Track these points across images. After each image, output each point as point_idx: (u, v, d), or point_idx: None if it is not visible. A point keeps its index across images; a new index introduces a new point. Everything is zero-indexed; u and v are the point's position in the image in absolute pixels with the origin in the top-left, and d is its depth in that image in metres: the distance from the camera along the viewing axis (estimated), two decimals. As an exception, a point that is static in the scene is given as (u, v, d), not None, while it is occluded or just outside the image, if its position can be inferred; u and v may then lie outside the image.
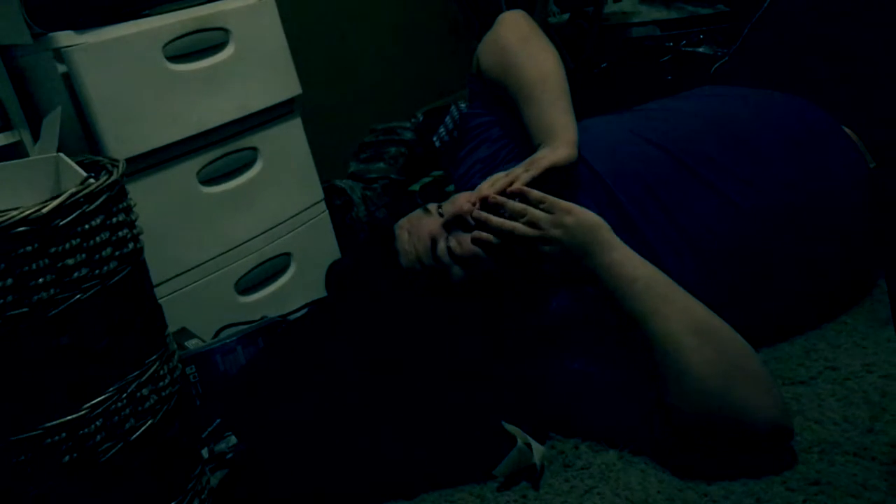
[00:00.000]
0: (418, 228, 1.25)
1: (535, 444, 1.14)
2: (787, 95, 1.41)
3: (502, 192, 1.20)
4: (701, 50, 2.11)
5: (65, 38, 1.44)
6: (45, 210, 0.83)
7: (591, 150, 1.34)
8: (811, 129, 1.37)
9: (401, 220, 1.31)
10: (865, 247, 1.38)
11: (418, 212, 1.29)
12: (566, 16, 2.33)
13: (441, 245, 1.23)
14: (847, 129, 1.40)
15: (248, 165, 1.76)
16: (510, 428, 1.15)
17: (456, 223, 1.25)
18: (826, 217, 1.30)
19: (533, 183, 1.20)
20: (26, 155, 1.48)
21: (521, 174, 1.20)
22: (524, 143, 1.38)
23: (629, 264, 1.10)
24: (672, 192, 1.26)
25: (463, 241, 1.23)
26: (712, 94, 1.49)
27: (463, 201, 1.25)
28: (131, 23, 1.52)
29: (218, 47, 1.66)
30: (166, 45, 1.56)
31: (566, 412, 1.19)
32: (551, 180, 1.22)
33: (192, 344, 1.52)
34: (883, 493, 0.95)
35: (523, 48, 1.39)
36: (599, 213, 1.23)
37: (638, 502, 1.04)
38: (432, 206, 1.28)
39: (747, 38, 1.67)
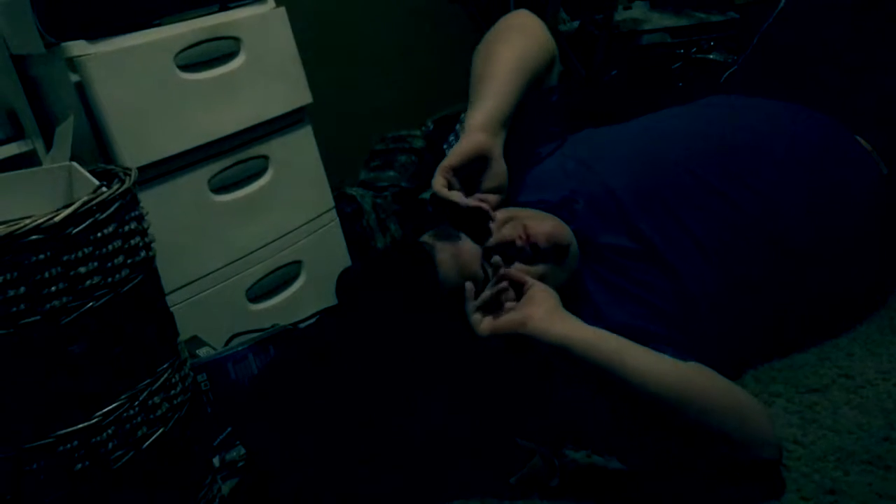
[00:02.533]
0: (460, 253, 1.22)
1: (549, 455, 1.14)
2: (798, 106, 1.41)
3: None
4: (712, 57, 2.11)
5: (77, 47, 1.44)
6: (57, 218, 0.83)
7: (603, 164, 1.34)
8: (823, 138, 1.36)
9: (431, 239, 1.27)
10: (880, 254, 1.37)
11: (450, 233, 1.25)
12: (576, 23, 2.33)
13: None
14: (859, 138, 1.39)
15: (259, 174, 1.76)
16: (525, 443, 1.15)
17: (500, 251, 1.19)
18: (840, 226, 1.29)
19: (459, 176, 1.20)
20: (39, 163, 1.49)
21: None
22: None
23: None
24: (686, 204, 1.25)
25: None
26: (723, 104, 1.49)
27: (501, 227, 1.21)
28: (143, 32, 1.53)
29: (229, 56, 1.67)
30: (178, 54, 1.56)
31: (575, 430, 1.18)
32: (474, 170, 1.20)
33: (203, 352, 1.52)
34: (899, 503, 0.95)
35: (488, 45, 1.35)
36: (610, 230, 1.24)
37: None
38: None
39: (757, 46, 1.67)
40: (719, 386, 1.03)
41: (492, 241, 1.20)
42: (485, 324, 1.10)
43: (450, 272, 1.21)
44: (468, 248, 1.22)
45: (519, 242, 1.19)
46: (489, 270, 1.17)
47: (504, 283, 1.12)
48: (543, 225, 1.21)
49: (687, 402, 1.00)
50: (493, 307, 1.12)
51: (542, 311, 1.06)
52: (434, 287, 1.22)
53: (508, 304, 1.11)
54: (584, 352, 1.03)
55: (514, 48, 1.33)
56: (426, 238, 1.29)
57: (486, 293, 1.12)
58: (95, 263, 0.88)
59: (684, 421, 0.99)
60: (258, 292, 1.77)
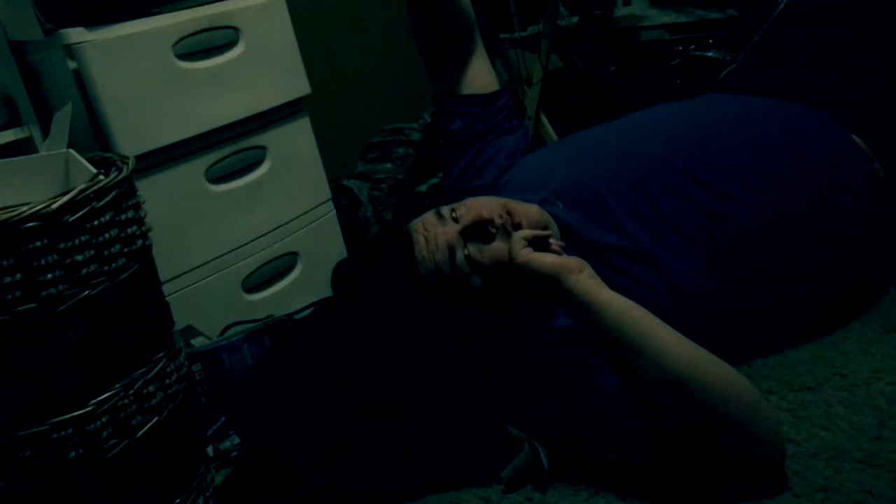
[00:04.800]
0: (435, 235, 1.23)
1: (540, 448, 1.14)
2: (795, 104, 1.41)
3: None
4: (710, 54, 2.11)
5: (76, 34, 1.44)
6: (54, 206, 0.83)
7: (590, 163, 1.34)
8: (819, 137, 1.36)
9: (414, 222, 1.29)
10: (874, 254, 1.37)
11: (431, 216, 1.27)
12: (576, 18, 2.33)
13: (460, 254, 1.20)
14: (856, 138, 1.39)
15: (256, 164, 1.76)
16: (516, 432, 1.15)
17: (474, 231, 1.21)
18: (834, 225, 1.30)
19: None
20: (36, 151, 1.48)
21: None
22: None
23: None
24: (674, 202, 1.25)
25: (483, 250, 1.20)
26: (719, 102, 1.49)
27: (480, 207, 1.23)
28: (142, 20, 1.52)
29: (228, 46, 1.66)
30: (177, 42, 1.56)
31: (587, 424, 1.15)
32: None
33: (197, 342, 1.52)
34: (890, 501, 0.95)
35: None
36: (599, 229, 1.25)
37: (645, 506, 1.04)
38: (445, 210, 1.25)
39: (757, 45, 1.67)
40: (740, 379, 1.03)
41: (471, 218, 1.21)
42: (525, 252, 1.12)
43: (425, 252, 1.22)
44: (442, 230, 1.22)
45: (499, 220, 1.20)
46: (470, 251, 1.20)
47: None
48: (524, 207, 1.24)
49: (710, 384, 1.00)
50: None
51: (589, 270, 1.10)
52: (413, 269, 1.23)
53: None
54: (618, 316, 1.05)
55: None
56: (411, 223, 1.30)
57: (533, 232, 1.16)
58: (92, 251, 0.88)
59: (704, 402, 0.99)
60: (254, 283, 1.77)
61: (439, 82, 1.55)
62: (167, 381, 1.00)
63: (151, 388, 0.96)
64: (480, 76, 1.53)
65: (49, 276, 0.84)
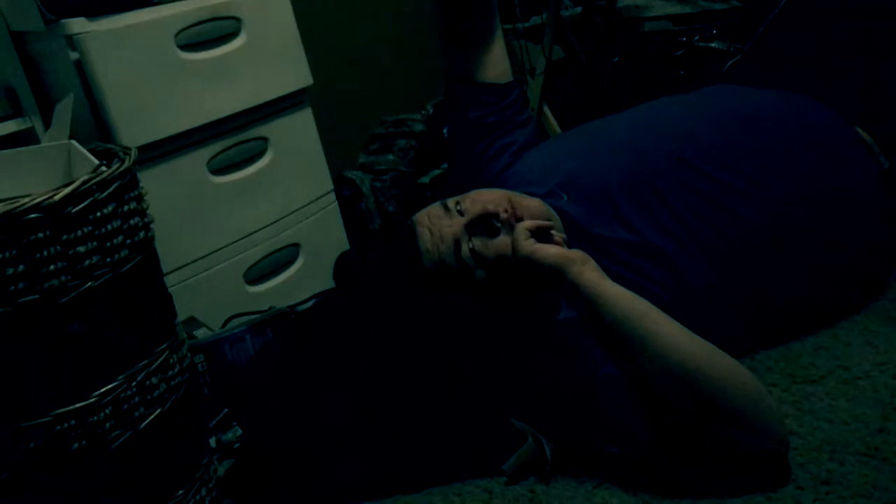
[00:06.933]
0: (440, 228, 1.23)
1: (544, 440, 1.14)
2: (801, 96, 1.40)
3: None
4: (714, 45, 2.10)
5: (77, 24, 1.43)
6: (57, 197, 0.83)
7: (596, 156, 1.34)
8: (824, 130, 1.36)
9: (418, 214, 1.28)
10: (879, 247, 1.37)
11: (437, 208, 1.27)
12: (579, 9, 2.32)
13: (465, 247, 1.20)
14: (861, 130, 1.39)
15: (258, 155, 1.75)
16: (519, 424, 1.15)
17: (479, 224, 1.22)
18: (840, 218, 1.29)
19: None
20: (37, 142, 1.48)
21: None
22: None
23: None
24: (680, 194, 1.25)
25: (488, 244, 1.20)
26: (724, 95, 1.48)
27: (485, 200, 1.23)
28: (144, 10, 1.52)
29: (230, 36, 1.66)
30: (178, 33, 1.55)
31: (593, 417, 1.15)
32: None
33: (200, 333, 1.52)
34: (893, 494, 0.95)
35: None
36: (604, 222, 1.24)
37: (649, 499, 1.04)
38: (451, 203, 1.25)
39: (761, 37, 1.66)
40: (743, 372, 1.03)
41: (476, 211, 1.21)
42: (529, 243, 1.13)
43: (430, 245, 1.22)
44: (447, 222, 1.22)
45: (503, 215, 1.20)
46: (475, 244, 1.19)
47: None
48: (526, 201, 1.24)
49: (713, 377, 1.00)
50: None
51: (593, 263, 1.10)
52: (417, 262, 1.22)
53: None
54: (622, 309, 1.05)
55: None
56: (415, 215, 1.30)
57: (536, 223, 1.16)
58: (94, 243, 0.88)
59: (707, 394, 0.99)
60: (256, 274, 1.77)
61: (456, 62, 1.53)
62: (170, 372, 1.00)
63: (154, 380, 0.96)
64: (497, 62, 1.52)
65: (51, 267, 0.84)
